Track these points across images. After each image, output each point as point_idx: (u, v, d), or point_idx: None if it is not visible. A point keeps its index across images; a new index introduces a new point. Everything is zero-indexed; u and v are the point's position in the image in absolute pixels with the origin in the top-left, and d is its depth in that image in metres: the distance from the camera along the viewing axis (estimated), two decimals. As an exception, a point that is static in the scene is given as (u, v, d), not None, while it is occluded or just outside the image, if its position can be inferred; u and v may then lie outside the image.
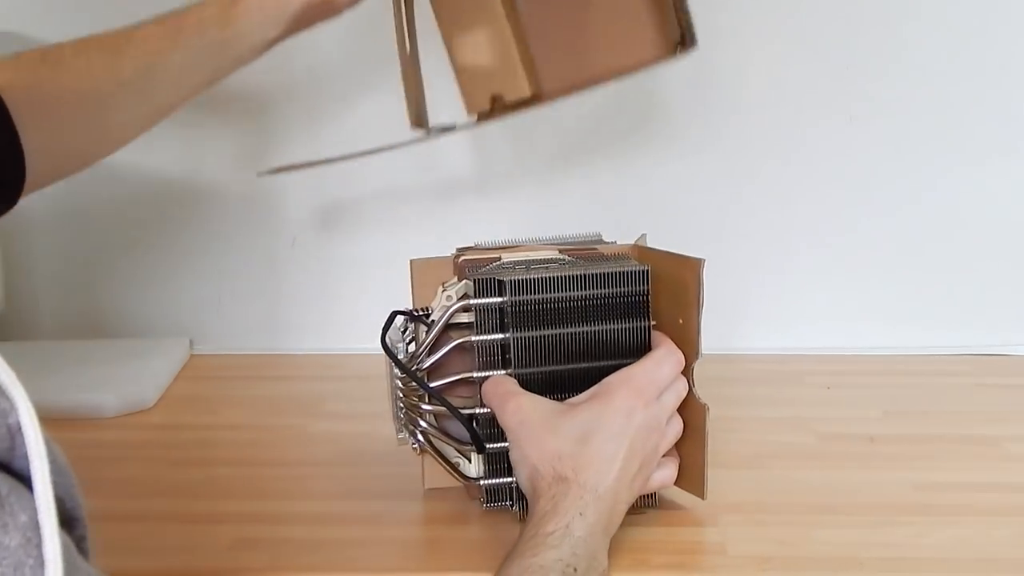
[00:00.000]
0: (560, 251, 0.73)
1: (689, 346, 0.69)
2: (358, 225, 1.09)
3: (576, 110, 1.04)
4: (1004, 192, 1.05)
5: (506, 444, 0.67)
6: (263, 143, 1.07)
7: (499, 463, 0.70)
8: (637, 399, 0.62)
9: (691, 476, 0.70)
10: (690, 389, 0.69)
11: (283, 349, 1.08)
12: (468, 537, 0.69)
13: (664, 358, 0.65)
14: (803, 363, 1.02)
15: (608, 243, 0.75)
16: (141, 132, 0.77)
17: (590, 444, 0.60)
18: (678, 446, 0.70)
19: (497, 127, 1.05)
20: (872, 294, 1.07)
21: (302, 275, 1.10)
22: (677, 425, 0.67)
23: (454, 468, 0.71)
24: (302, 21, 0.76)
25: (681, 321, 0.69)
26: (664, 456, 0.68)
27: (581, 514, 0.58)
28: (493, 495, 0.70)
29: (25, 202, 0.73)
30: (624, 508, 0.63)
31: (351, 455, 0.82)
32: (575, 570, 0.55)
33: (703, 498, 0.70)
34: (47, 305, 1.11)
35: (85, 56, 0.72)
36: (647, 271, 0.69)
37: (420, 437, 0.71)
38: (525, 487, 0.63)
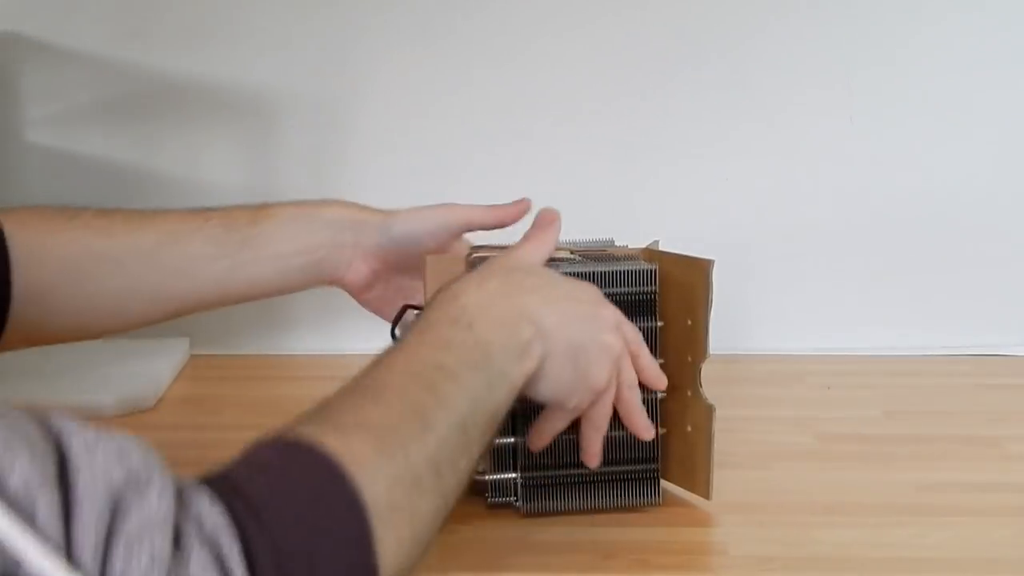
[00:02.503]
0: (572, 252, 0.73)
1: (697, 345, 0.69)
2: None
3: (586, 115, 1.05)
4: (1004, 193, 1.05)
5: (509, 439, 0.69)
6: (264, 143, 1.07)
7: (504, 458, 0.70)
8: (600, 298, 0.63)
9: (697, 477, 0.71)
10: (697, 389, 0.69)
11: (283, 349, 1.08)
12: (472, 536, 0.69)
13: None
14: (803, 363, 1.02)
15: (620, 247, 0.75)
16: (135, 320, 0.73)
17: (519, 265, 0.62)
18: (685, 447, 0.71)
19: (507, 128, 1.05)
20: (872, 294, 1.07)
21: (302, 275, 1.10)
22: (633, 330, 0.64)
23: None
24: (324, 264, 0.74)
25: (690, 322, 0.69)
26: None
27: (479, 285, 0.57)
28: (498, 490, 0.71)
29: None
30: (561, 311, 0.59)
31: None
32: (469, 326, 0.54)
33: (708, 499, 0.70)
34: (47, 305, 1.11)
35: (107, 218, 0.69)
36: (655, 271, 0.69)
37: None
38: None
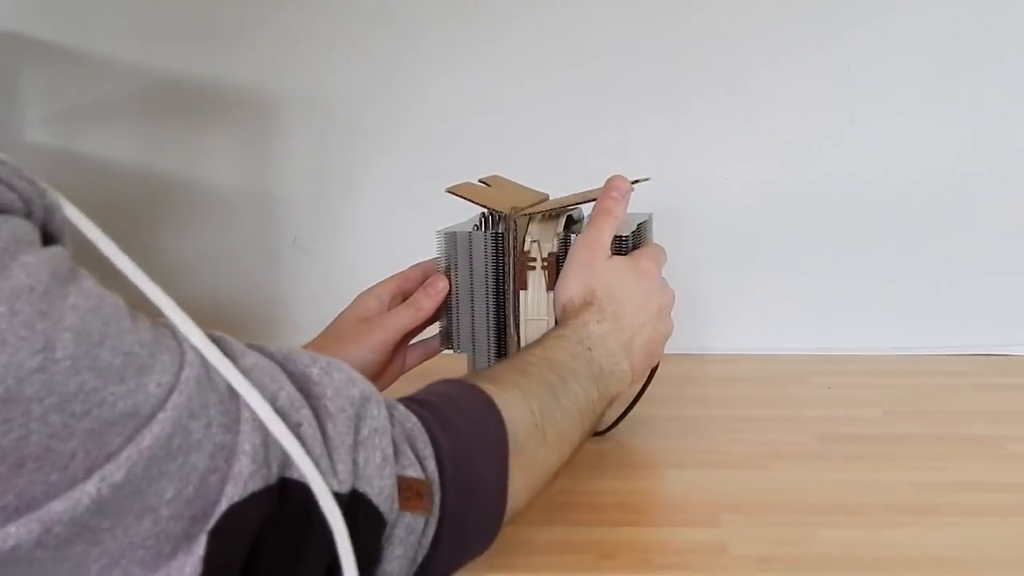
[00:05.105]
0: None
1: None
2: (358, 225, 1.09)
3: (587, 115, 1.05)
4: (1005, 194, 1.05)
5: None
6: (264, 143, 1.07)
7: None
8: (655, 265, 0.76)
9: None
10: None
11: (283, 349, 1.08)
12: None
13: (660, 247, 0.80)
14: (803, 363, 1.02)
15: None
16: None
17: (620, 287, 0.73)
18: None
19: (507, 129, 1.05)
20: (872, 294, 1.07)
21: (302, 275, 1.10)
22: (671, 290, 0.78)
23: None
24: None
25: None
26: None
27: (598, 321, 0.70)
28: None
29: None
30: (643, 341, 0.73)
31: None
32: (590, 349, 0.68)
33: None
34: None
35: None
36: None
37: None
38: (556, 311, 0.74)
